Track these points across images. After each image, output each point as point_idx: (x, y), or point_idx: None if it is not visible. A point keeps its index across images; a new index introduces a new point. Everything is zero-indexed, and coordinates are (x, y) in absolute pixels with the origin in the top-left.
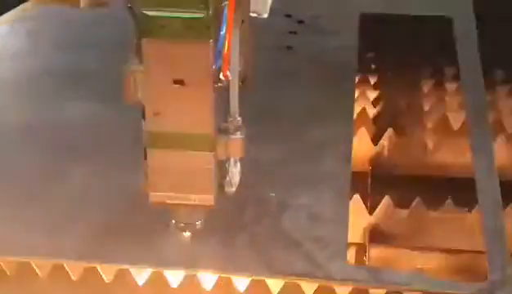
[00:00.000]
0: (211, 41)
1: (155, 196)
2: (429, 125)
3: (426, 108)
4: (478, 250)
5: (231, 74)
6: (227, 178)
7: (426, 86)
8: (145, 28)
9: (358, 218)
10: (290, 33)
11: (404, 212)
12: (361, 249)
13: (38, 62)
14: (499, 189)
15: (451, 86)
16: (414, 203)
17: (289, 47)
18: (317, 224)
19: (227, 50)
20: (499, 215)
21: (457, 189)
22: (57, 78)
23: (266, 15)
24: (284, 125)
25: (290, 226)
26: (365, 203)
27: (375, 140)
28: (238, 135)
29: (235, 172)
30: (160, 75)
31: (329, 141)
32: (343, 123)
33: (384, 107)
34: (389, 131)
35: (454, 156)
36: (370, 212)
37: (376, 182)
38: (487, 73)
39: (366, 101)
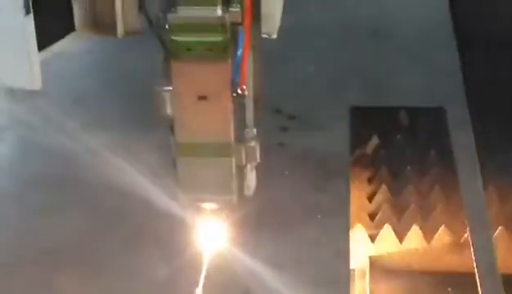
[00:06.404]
0: (229, 60)
1: (186, 198)
2: (427, 220)
3: (423, 203)
4: None
5: (247, 88)
6: (245, 183)
7: (422, 180)
8: (174, 52)
9: None
10: (281, 129)
11: None
12: None
13: None
14: (502, 285)
15: (448, 180)
16: None
17: (280, 144)
18: None
19: (244, 67)
20: None
21: (458, 285)
22: None
23: (275, 36)
24: (280, 224)
25: None
26: None
27: (373, 236)
28: (253, 144)
29: (251, 177)
30: (187, 92)
31: (326, 240)
32: (339, 220)
33: (380, 202)
34: (387, 228)
35: (454, 252)
36: None
37: (375, 280)
38: (485, 161)
39: (361, 197)
